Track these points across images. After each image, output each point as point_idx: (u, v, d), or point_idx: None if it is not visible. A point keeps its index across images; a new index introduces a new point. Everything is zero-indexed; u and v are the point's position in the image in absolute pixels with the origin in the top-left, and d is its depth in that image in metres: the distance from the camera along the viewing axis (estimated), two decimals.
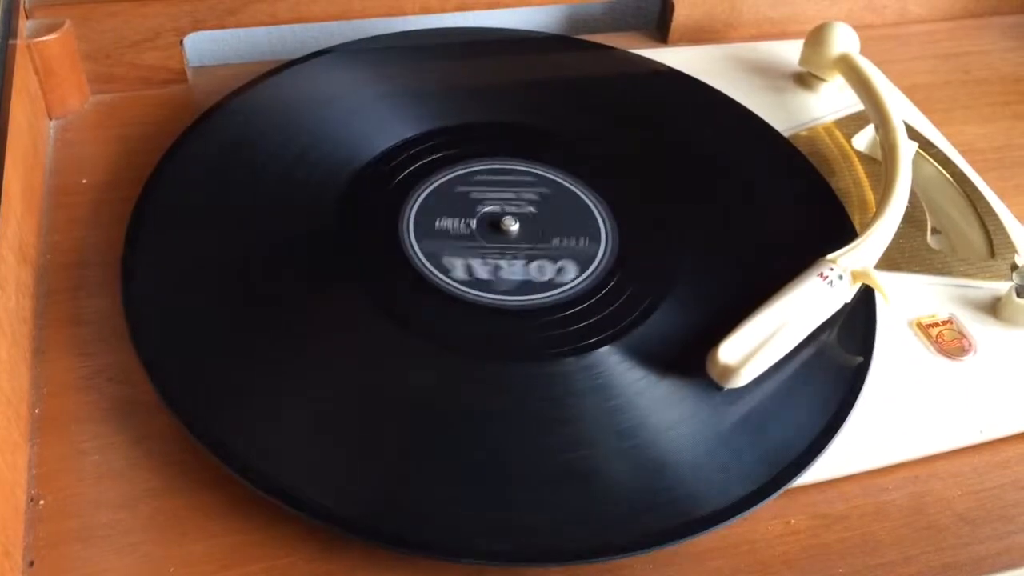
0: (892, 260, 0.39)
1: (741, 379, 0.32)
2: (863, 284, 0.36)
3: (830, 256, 0.35)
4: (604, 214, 0.39)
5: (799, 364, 0.34)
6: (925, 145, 0.45)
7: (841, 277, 0.35)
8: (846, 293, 0.35)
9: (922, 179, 0.44)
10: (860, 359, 0.35)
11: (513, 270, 0.36)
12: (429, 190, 0.39)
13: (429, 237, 0.37)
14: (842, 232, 0.39)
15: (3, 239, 0.31)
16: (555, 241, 0.38)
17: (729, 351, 0.32)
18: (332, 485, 0.29)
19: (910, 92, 0.50)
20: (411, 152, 0.41)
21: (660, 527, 0.29)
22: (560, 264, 0.37)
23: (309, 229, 0.37)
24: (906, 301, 0.38)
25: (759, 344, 0.33)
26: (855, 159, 0.45)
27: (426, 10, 0.48)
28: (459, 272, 0.36)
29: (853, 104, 0.47)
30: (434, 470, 0.30)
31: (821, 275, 0.35)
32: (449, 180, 0.40)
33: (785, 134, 0.45)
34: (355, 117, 0.42)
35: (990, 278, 0.39)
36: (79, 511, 0.29)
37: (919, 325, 0.37)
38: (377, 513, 0.29)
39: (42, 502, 0.29)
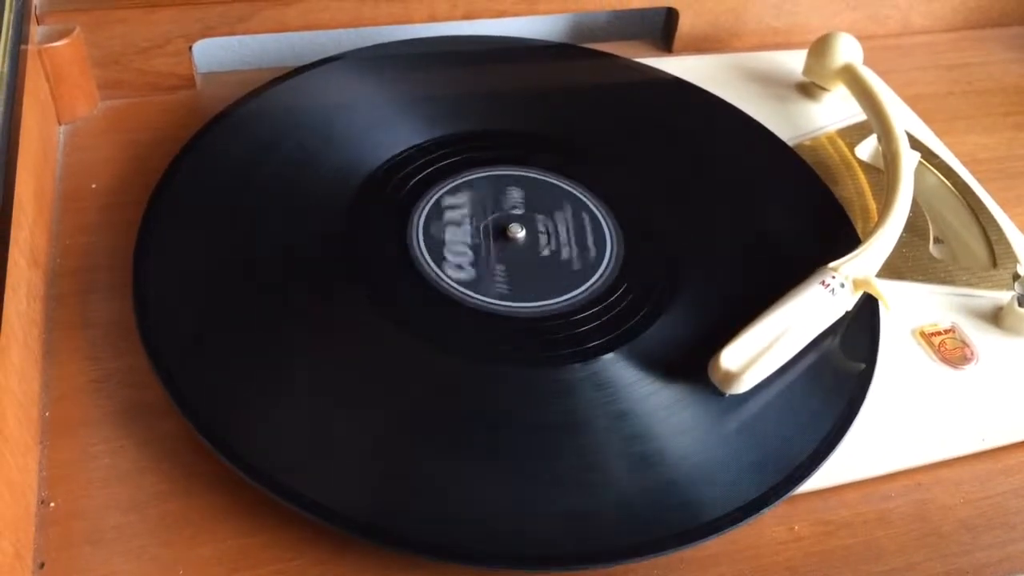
0: (895, 269, 0.39)
1: (743, 385, 0.33)
2: (865, 292, 0.36)
3: (832, 264, 0.36)
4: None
5: (803, 371, 0.34)
6: (927, 155, 0.46)
7: (843, 285, 0.35)
8: (848, 301, 0.36)
9: (924, 189, 0.44)
10: (863, 367, 0.35)
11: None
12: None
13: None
14: (845, 240, 0.39)
15: (15, 243, 0.32)
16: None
17: (731, 357, 0.33)
18: (341, 487, 0.29)
19: (912, 102, 0.50)
20: (418, 159, 0.41)
21: (664, 533, 0.29)
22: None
23: (319, 235, 0.37)
24: (909, 310, 0.38)
25: (761, 351, 0.33)
26: (857, 168, 0.45)
27: (433, 18, 0.49)
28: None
29: (856, 114, 0.48)
30: (442, 474, 0.30)
31: (823, 283, 0.35)
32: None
33: (789, 143, 0.45)
34: (363, 124, 0.43)
35: (992, 287, 0.39)
36: (89, 513, 0.30)
37: (922, 334, 0.37)
38: (385, 516, 0.29)
39: (52, 504, 0.30)
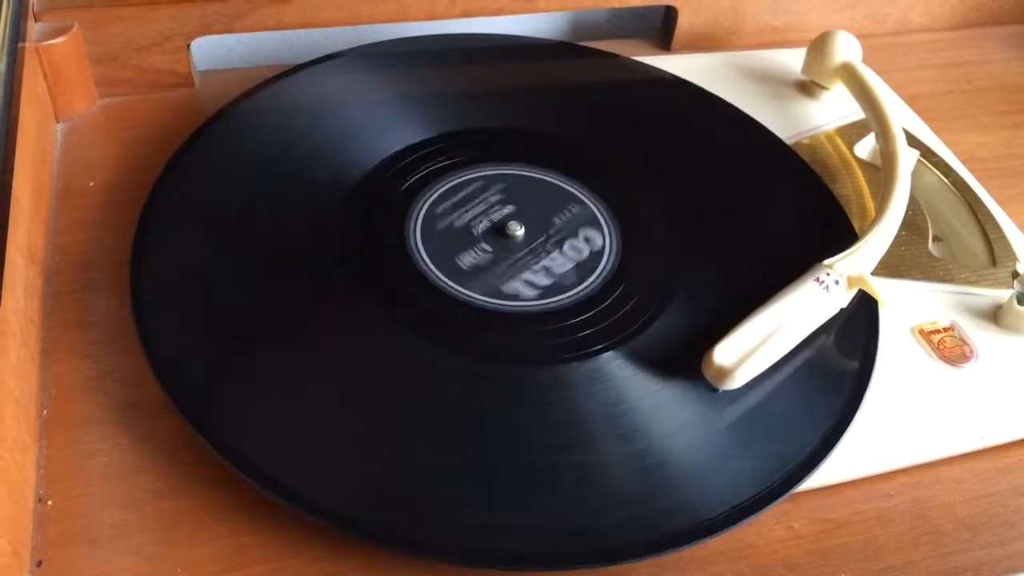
0: (894, 267, 0.39)
1: (736, 381, 0.32)
2: (861, 290, 0.36)
3: (827, 261, 0.36)
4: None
5: (803, 369, 0.34)
6: (926, 153, 0.46)
7: (837, 282, 0.35)
8: (842, 298, 0.35)
9: (923, 187, 0.44)
10: (863, 365, 0.35)
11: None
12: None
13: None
14: (844, 238, 0.39)
15: (12, 241, 0.32)
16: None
17: (724, 353, 0.33)
18: (338, 486, 0.29)
19: (911, 101, 0.50)
20: (417, 157, 0.41)
21: (663, 532, 0.29)
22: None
23: (316, 233, 0.37)
24: (908, 308, 0.38)
25: (754, 347, 0.33)
26: (856, 166, 0.45)
27: (431, 16, 0.49)
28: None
29: (855, 112, 0.48)
30: (439, 473, 0.30)
31: (817, 280, 0.35)
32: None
33: (787, 141, 0.45)
34: (361, 121, 0.42)
35: (991, 286, 0.39)
36: (86, 511, 0.29)
37: (921, 332, 0.37)
38: (382, 515, 0.29)
39: (50, 502, 0.30)
